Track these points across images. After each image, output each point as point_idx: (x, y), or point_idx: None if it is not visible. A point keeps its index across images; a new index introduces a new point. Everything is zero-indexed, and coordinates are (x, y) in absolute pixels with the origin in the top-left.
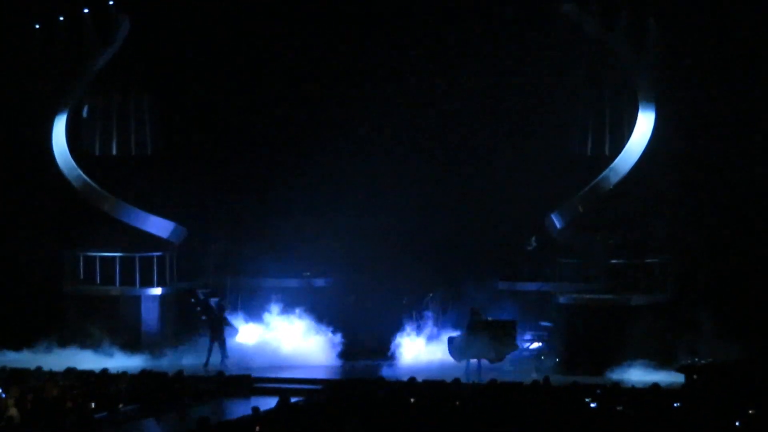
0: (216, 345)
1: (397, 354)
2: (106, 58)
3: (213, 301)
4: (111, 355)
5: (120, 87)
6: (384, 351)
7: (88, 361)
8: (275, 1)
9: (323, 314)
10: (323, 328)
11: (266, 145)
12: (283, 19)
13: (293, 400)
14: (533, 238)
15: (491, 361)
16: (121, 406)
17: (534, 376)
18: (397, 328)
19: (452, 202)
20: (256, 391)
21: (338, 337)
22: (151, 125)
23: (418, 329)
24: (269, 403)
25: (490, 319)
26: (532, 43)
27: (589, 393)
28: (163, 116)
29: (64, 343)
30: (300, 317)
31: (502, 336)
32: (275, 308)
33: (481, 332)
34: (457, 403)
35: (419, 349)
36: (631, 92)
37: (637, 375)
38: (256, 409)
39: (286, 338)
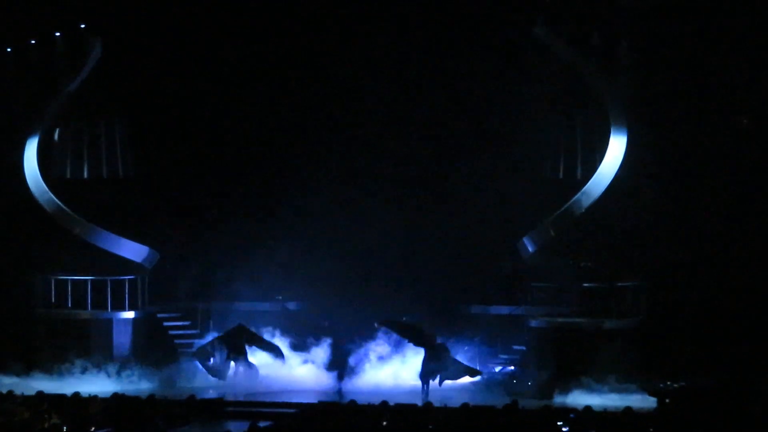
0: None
1: (369, 377)
2: (78, 82)
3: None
4: (82, 378)
5: (92, 110)
6: (356, 374)
7: (59, 384)
8: (246, 26)
9: (296, 337)
10: (296, 350)
11: (238, 169)
12: (255, 44)
13: (264, 424)
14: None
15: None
16: (93, 429)
17: (506, 399)
18: (369, 351)
19: (424, 226)
20: (228, 415)
21: (311, 360)
22: (123, 149)
23: (390, 352)
24: (241, 427)
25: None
26: (504, 67)
27: (561, 417)
28: (135, 139)
29: (35, 366)
30: (272, 340)
31: None
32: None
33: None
34: (430, 426)
35: (391, 372)
36: (603, 116)
37: (610, 399)
38: None
39: (259, 361)
